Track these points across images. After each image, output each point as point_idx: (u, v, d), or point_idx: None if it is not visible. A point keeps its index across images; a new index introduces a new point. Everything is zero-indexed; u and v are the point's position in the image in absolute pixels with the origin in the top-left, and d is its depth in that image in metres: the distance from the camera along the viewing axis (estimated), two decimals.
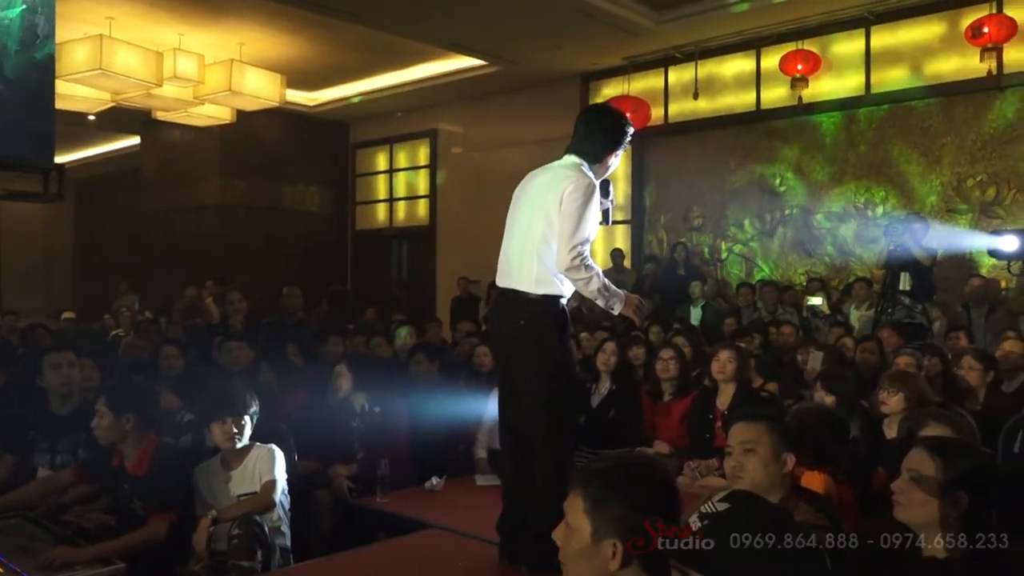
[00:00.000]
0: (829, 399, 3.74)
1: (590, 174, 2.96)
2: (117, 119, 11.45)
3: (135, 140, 13.71)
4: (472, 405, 4.61)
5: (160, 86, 8.66)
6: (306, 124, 12.54)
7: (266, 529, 3.12)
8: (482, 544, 3.18)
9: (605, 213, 3.19)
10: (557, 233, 2.86)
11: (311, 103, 12.09)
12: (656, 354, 4.95)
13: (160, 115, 10.24)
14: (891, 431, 3.51)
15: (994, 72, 7.31)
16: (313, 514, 3.87)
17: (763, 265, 9.07)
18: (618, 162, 3.16)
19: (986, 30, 7.10)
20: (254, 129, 11.66)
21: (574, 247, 2.82)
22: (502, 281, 3.04)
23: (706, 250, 9.49)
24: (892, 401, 3.54)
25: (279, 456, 3.34)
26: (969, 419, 3.62)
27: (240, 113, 10.18)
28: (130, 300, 11.69)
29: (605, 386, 4.77)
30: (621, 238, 10.03)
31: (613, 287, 2.94)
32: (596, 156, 3.04)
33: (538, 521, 2.80)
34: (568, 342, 2.95)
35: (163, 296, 10.75)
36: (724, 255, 9.39)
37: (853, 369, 4.94)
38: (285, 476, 3.36)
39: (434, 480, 4.02)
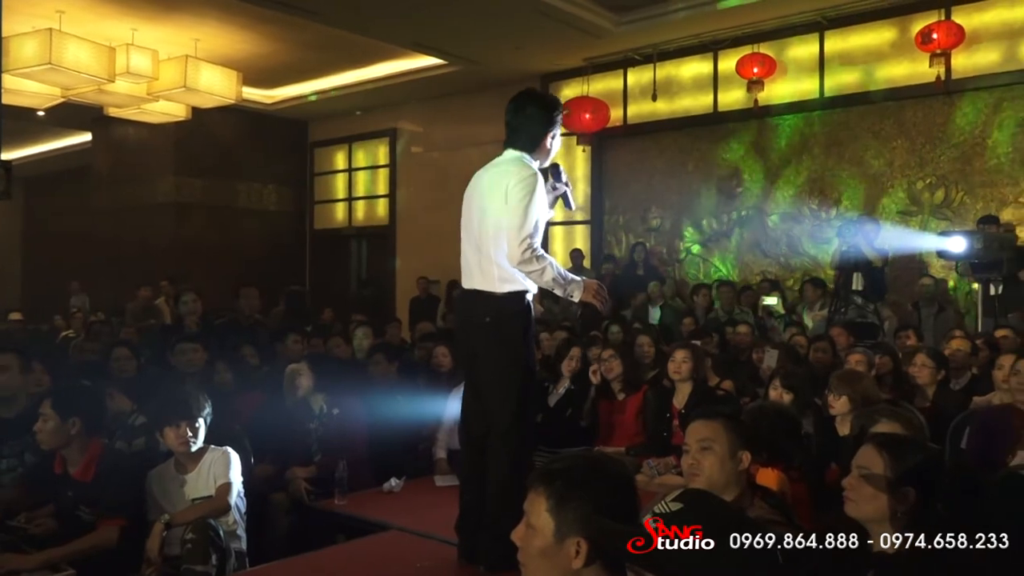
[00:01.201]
0: (787, 396, 3.80)
1: (532, 165, 2.98)
2: (68, 115, 11.21)
3: (86, 137, 13.43)
4: (431, 406, 4.60)
5: (112, 82, 8.49)
6: (263, 122, 12.39)
7: (221, 533, 3.07)
8: (441, 545, 3.18)
9: (564, 197, 3.19)
10: (505, 228, 2.87)
11: (268, 101, 11.94)
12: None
13: (112, 111, 10.02)
14: (844, 428, 3.58)
15: (943, 77, 7.50)
16: (270, 517, 3.82)
17: (720, 265, 9.19)
18: (559, 143, 3.13)
19: (935, 36, 7.27)
20: (210, 126, 11.48)
21: (523, 240, 2.83)
22: (466, 283, 3.05)
23: (664, 250, 9.58)
24: (838, 404, 3.62)
25: (235, 458, 3.29)
26: (918, 416, 3.71)
27: (195, 110, 10.01)
28: (81, 300, 11.45)
29: (564, 386, 4.79)
30: (580, 238, 10.08)
31: (570, 275, 2.94)
32: (533, 143, 3.03)
33: (496, 521, 2.80)
34: (532, 340, 2.95)
35: (115, 297, 10.53)
36: (682, 255, 9.49)
37: (807, 367, 5.03)
38: (241, 479, 3.31)
39: (393, 481, 4.00)
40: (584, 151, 9.88)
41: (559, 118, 3.10)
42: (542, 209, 2.97)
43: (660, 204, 9.60)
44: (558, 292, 2.91)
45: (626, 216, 9.90)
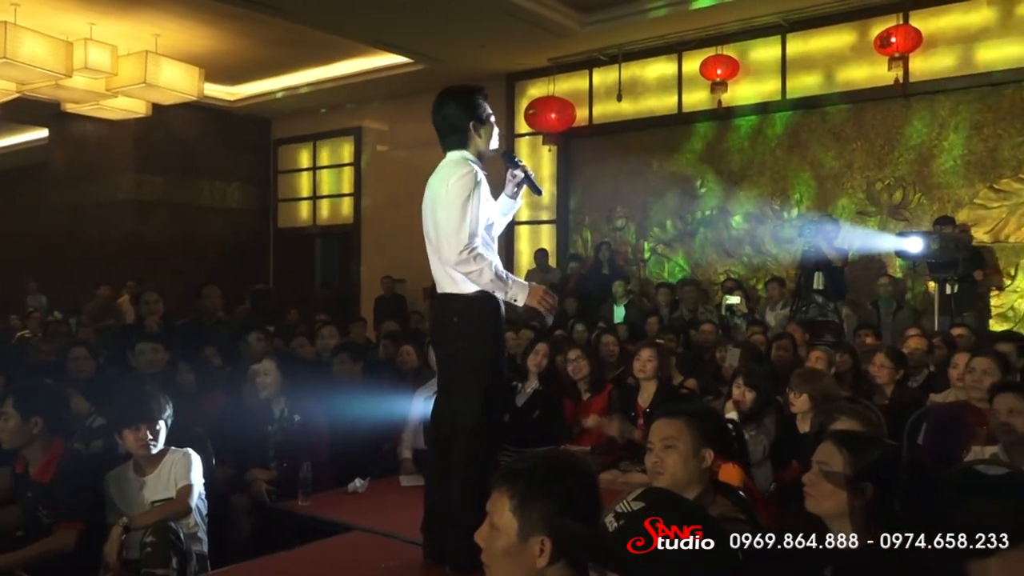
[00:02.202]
0: (750, 395, 3.85)
1: (473, 164, 2.94)
2: (24, 111, 10.95)
3: (43, 133, 13.15)
4: (396, 405, 4.57)
5: (70, 77, 8.30)
6: (226, 119, 12.23)
7: (182, 536, 3.02)
8: (406, 545, 3.16)
9: (529, 182, 3.11)
10: (443, 230, 2.86)
11: (231, 98, 11.79)
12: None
13: (70, 107, 9.81)
14: (804, 425, 3.64)
15: (901, 80, 7.64)
16: (231, 519, 3.77)
17: (684, 265, 9.27)
18: (495, 129, 3.09)
19: (893, 40, 7.41)
20: (171, 123, 11.30)
21: (460, 240, 2.81)
22: (439, 288, 3.05)
23: (629, 250, 9.64)
24: (798, 402, 3.69)
25: (196, 460, 3.25)
26: (877, 413, 3.78)
27: (156, 107, 9.84)
28: (38, 300, 11.22)
29: (531, 386, 4.79)
30: (546, 238, 10.11)
31: (513, 277, 2.92)
32: (463, 137, 3.00)
33: (460, 521, 2.80)
34: (502, 339, 2.95)
35: (74, 296, 10.33)
36: (647, 255, 9.55)
37: (769, 366, 5.09)
38: (203, 481, 3.27)
39: (358, 482, 3.97)
40: (550, 151, 9.90)
41: (480, 100, 3.04)
42: (488, 206, 2.95)
43: (625, 204, 9.65)
44: (499, 295, 2.87)
45: (591, 216, 9.95)
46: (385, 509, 3.71)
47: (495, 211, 3.04)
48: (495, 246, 3.02)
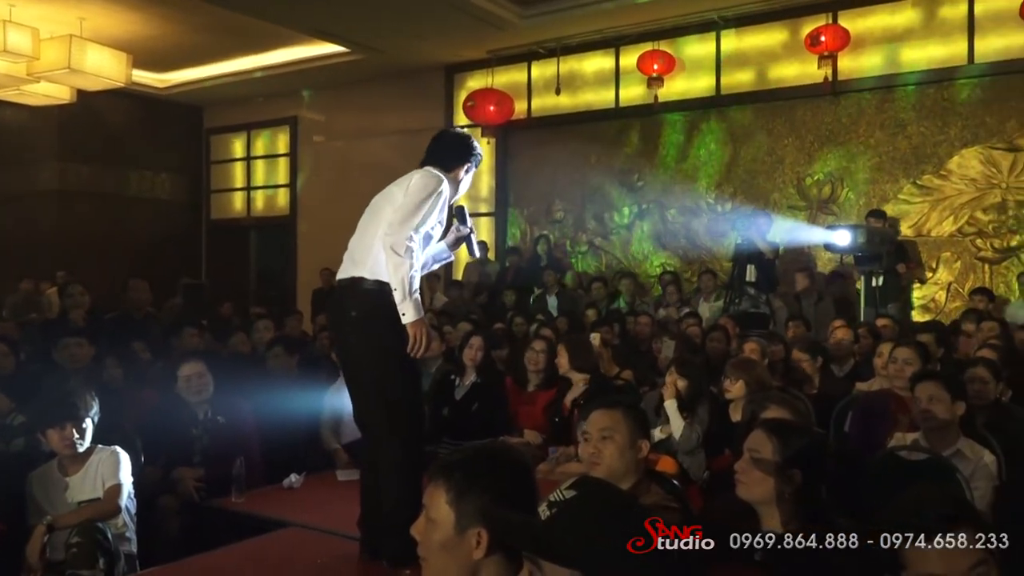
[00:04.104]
0: (682, 383, 3.92)
1: (443, 176, 2.98)
2: None
3: None
4: (332, 398, 4.51)
5: None
6: (156, 107, 11.87)
7: (110, 536, 2.93)
8: (342, 540, 3.12)
9: (468, 241, 3.19)
10: (394, 209, 2.86)
11: (161, 85, 11.44)
12: (521, 344, 5.02)
13: None
14: (736, 414, 3.72)
15: (829, 78, 7.87)
16: (159, 520, 3.66)
17: (622, 257, 9.37)
18: (469, 182, 3.18)
19: (823, 39, 7.62)
20: (97, 110, 10.91)
21: (405, 225, 2.81)
22: (340, 275, 3.02)
23: (568, 242, 9.70)
24: (734, 388, 3.77)
25: (124, 459, 3.15)
26: (806, 401, 3.90)
27: (81, 93, 9.47)
28: None
29: (469, 379, 4.79)
30: (485, 230, 10.09)
31: (417, 297, 2.90)
32: (446, 166, 3.05)
33: (392, 514, 2.78)
34: (402, 330, 2.92)
35: None
36: (585, 248, 9.63)
37: (703, 356, 5.19)
38: (131, 479, 3.18)
39: (293, 477, 3.90)
40: (488, 143, 9.88)
41: (475, 157, 3.14)
42: (437, 217, 2.95)
43: (563, 197, 9.71)
44: (396, 296, 2.83)
45: (530, 208, 9.98)
46: (321, 504, 3.66)
47: (435, 230, 3.02)
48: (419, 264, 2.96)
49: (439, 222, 3.00)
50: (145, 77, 10.87)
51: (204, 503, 3.70)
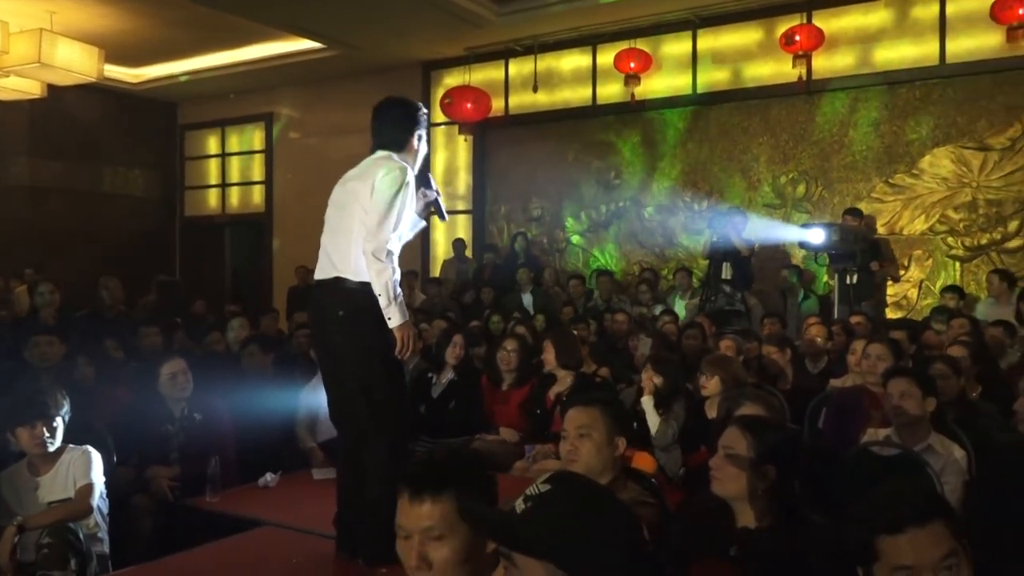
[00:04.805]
0: (658, 380, 3.94)
1: (402, 162, 2.97)
2: None
3: None
4: (308, 396, 4.49)
5: None
6: (129, 102, 11.71)
7: (81, 536, 2.90)
8: (318, 539, 3.11)
9: (436, 205, 3.18)
10: (368, 214, 2.84)
11: (134, 80, 11.30)
12: (496, 343, 5.02)
13: None
14: (712, 411, 3.74)
15: (804, 78, 7.94)
16: (132, 520, 3.62)
17: (599, 255, 9.40)
18: (425, 147, 3.16)
19: (797, 38, 7.68)
20: (69, 106, 10.73)
21: (383, 230, 2.80)
22: (319, 274, 3.00)
23: (546, 240, 9.71)
24: (710, 384, 3.80)
25: (96, 458, 3.12)
26: (780, 398, 3.93)
27: (52, 88, 9.32)
28: None
29: (446, 377, 4.79)
30: (462, 228, 10.08)
31: (402, 300, 2.90)
32: (398, 143, 3.04)
33: (371, 513, 2.77)
34: (387, 330, 2.91)
35: None
36: (562, 245, 9.64)
37: (679, 354, 5.22)
38: (103, 479, 3.14)
39: (268, 476, 3.88)
40: (466, 140, 9.88)
41: (423, 118, 3.12)
42: (409, 210, 2.94)
43: (541, 194, 9.71)
44: (381, 302, 2.83)
45: (508, 206, 9.97)
46: (297, 503, 3.64)
47: (410, 220, 3.01)
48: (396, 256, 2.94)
49: (411, 200, 2.97)
50: (118, 72, 10.72)
51: (178, 502, 3.67)
